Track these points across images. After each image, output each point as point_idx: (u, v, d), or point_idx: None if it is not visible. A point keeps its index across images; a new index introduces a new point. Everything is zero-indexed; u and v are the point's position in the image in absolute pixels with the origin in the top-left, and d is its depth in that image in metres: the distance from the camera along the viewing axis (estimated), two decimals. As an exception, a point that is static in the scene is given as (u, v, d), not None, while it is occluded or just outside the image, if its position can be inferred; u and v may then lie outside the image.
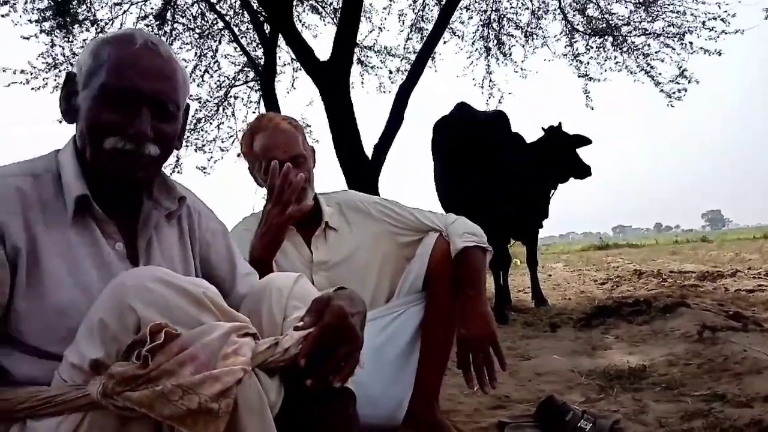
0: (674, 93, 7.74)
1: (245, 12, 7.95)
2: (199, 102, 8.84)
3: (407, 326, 1.64)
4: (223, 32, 8.57)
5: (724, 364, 2.24)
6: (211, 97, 9.00)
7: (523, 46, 8.64)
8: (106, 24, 7.55)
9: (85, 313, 0.83)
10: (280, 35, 7.35)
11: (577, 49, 8.36)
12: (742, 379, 2.02)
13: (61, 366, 0.82)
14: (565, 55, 8.46)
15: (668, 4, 7.53)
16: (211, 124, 9.11)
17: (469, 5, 8.49)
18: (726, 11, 7.03)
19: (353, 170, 6.09)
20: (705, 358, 2.42)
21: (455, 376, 1.91)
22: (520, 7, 8.53)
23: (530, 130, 5.05)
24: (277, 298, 0.98)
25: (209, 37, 8.60)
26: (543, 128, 5.07)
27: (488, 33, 8.71)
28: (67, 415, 0.78)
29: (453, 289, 1.62)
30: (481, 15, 8.65)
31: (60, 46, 7.29)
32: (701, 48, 7.36)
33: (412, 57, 7.72)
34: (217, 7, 8.15)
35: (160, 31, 7.90)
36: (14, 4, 6.77)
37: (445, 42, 8.35)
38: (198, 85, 8.70)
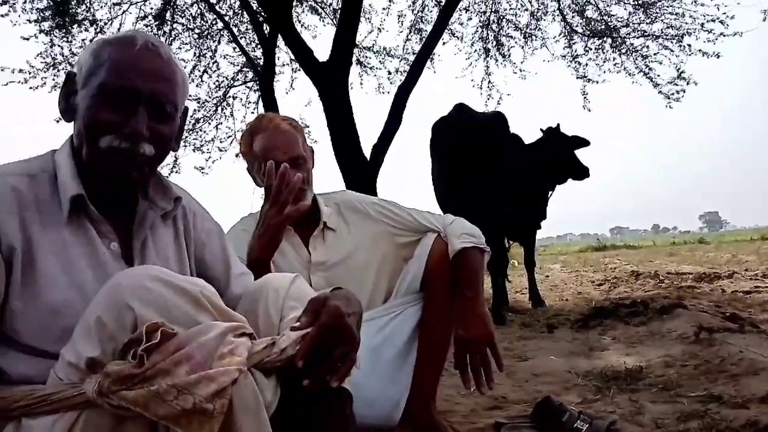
0: (672, 94, 7.76)
1: (244, 12, 7.94)
2: (198, 102, 8.85)
3: (404, 327, 1.64)
4: (222, 32, 8.57)
5: (721, 366, 2.25)
6: (209, 97, 9.00)
7: (522, 47, 8.65)
8: (106, 24, 7.54)
9: (80, 313, 0.83)
10: (279, 36, 7.35)
11: (575, 51, 8.37)
12: (739, 380, 2.03)
13: (58, 364, 0.82)
14: (564, 56, 8.48)
15: (667, 6, 7.55)
16: (209, 124, 9.11)
17: (469, 6, 8.50)
18: (725, 13, 7.06)
19: (352, 171, 6.09)
20: (702, 359, 2.42)
21: (452, 377, 1.91)
22: (519, 9, 8.55)
23: (529, 132, 5.06)
24: (273, 298, 0.98)
25: (208, 37, 8.60)
26: (541, 129, 5.08)
27: (487, 34, 8.71)
28: (62, 413, 0.78)
29: (451, 290, 1.62)
30: (481, 16, 8.66)
31: (59, 45, 7.29)
32: (700, 50, 7.38)
33: (411, 58, 7.73)
34: (217, 7, 8.15)
35: (159, 31, 7.90)
36: (13, 4, 6.76)
37: (444, 43, 8.37)
38: (197, 85, 8.71)
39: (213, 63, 8.78)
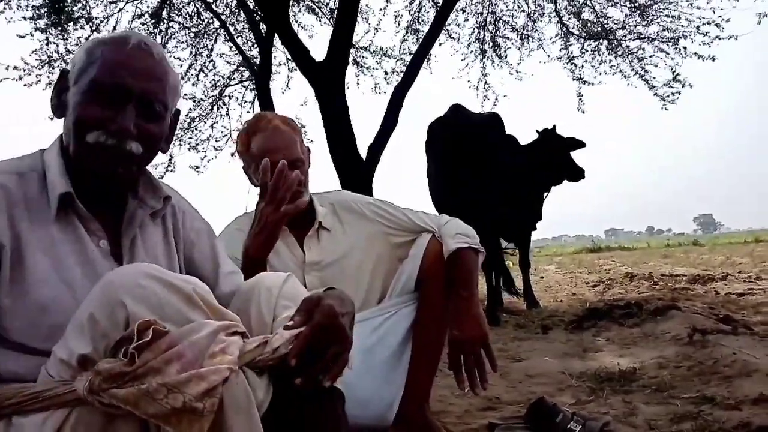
0: (668, 96, 7.80)
1: (241, 11, 7.94)
2: (194, 101, 8.83)
3: (399, 327, 1.64)
4: (218, 31, 8.56)
5: (714, 367, 2.26)
6: (205, 96, 8.99)
7: (519, 48, 8.68)
8: (101, 22, 7.52)
9: (69, 310, 0.83)
10: (275, 35, 7.34)
11: (572, 52, 8.41)
12: (732, 381, 2.03)
13: (49, 362, 0.82)
14: (560, 58, 8.51)
15: (663, 9, 7.59)
16: (205, 123, 9.11)
17: (465, 7, 8.51)
18: (720, 16, 7.10)
19: (347, 171, 6.09)
20: (695, 360, 2.43)
21: (446, 377, 1.91)
22: (515, 10, 8.57)
23: (525, 133, 5.08)
24: (266, 297, 0.98)
25: (204, 35, 8.59)
26: (537, 131, 5.09)
27: (484, 35, 8.73)
28: (53, 410, 0.78)
29: (445, 290, 1.62)
30: (477, 17, 8.68)
31: (54, 43, 7.27)
32: (695, 53, 7.41)
33: (408, 58, 7.72)
34: (213, 6, 8.14)
35: (155, 30, 7.88)
36: (9, 1, 6.73)
37: (440, 44, 8.38)
38: (193, 84, 8.70)
39: (209, 62, 8.79)
